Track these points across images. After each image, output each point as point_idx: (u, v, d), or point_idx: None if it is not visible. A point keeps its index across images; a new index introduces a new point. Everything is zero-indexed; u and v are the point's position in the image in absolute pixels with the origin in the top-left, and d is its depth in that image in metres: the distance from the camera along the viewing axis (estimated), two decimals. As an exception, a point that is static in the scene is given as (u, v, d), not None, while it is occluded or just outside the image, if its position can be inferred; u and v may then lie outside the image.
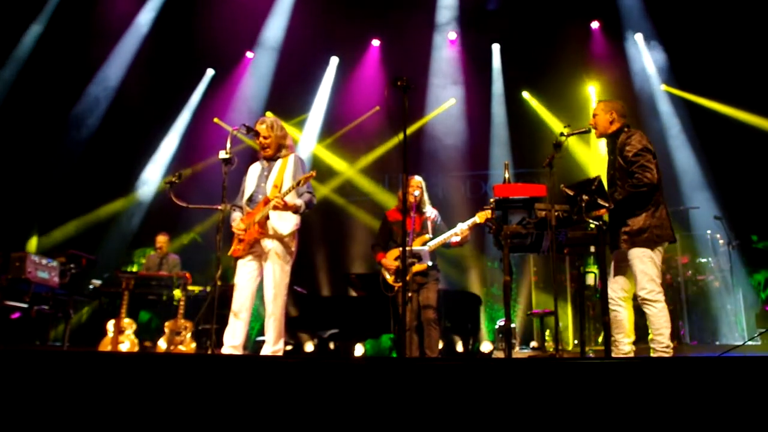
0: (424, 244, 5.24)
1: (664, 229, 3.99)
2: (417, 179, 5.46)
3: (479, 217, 4.82)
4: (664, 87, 9.99)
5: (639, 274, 3.95)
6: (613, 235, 4.08)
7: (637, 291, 3.98)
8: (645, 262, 3.94)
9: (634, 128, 4.21)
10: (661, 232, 3.97)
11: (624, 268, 4.11)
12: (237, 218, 4.43)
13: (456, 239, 5.15)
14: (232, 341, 4.23)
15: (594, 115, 4.30)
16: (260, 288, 4.39)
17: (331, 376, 2.32)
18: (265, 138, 4.46)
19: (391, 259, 5.31)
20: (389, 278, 5.27)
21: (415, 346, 5.22)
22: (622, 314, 4.10)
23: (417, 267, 5.15)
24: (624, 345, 4.07)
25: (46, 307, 6.90)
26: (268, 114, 4.78)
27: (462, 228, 5.11)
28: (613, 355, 4.06)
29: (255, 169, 4.55)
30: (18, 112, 9.25)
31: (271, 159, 4.52)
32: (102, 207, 10.25)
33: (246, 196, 4.46)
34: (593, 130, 4.29)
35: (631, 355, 4.06)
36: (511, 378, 2.22)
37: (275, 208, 4.21)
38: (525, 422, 2.11)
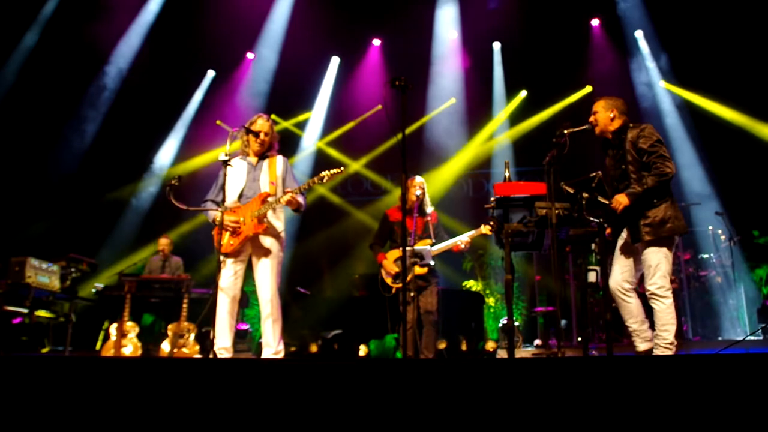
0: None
1: (680, 220, 3.97)
2: (418, 180, 5.45)
3: (485, 229, 4.86)
4: (664, 84, 9.98)
5: (653, 268, 3.91)
6: (633, 228, 4.00)
7: (647, 285, 3.94)
8: (660, 257, 3.91)
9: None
10: (679, 223, 3.95)
11: (631, 260, 4.08)
12: (218, 215, 4.15)
13: (459, 246, 5.18)
14: (224, 343, 4.28)
15: (594, 113, 4.21)
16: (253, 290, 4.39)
17: (335, 378, 2.32)
18: (266, 134, 4.47)
19: (391, 260, 5.31)
20: (387, 279, 5.28)
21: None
22: (633, 303, 4.07)
23: (418, 270, 5.15)
24: (641, 343, 4.02)
25: (47, 312, 6.88)
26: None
27: (464, 239, 5.14)
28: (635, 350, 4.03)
29: (240, 167, 4.46)
30: (16, 113, 9.27)
31: (260, 157, 4.52)
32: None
33: (236, 192, 4.39)
34: (594, 128, 4.24)
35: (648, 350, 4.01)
36: (514, 376, 2.22)
37: (289, 203, 4.24)
38: (527, 420, 2.11)
